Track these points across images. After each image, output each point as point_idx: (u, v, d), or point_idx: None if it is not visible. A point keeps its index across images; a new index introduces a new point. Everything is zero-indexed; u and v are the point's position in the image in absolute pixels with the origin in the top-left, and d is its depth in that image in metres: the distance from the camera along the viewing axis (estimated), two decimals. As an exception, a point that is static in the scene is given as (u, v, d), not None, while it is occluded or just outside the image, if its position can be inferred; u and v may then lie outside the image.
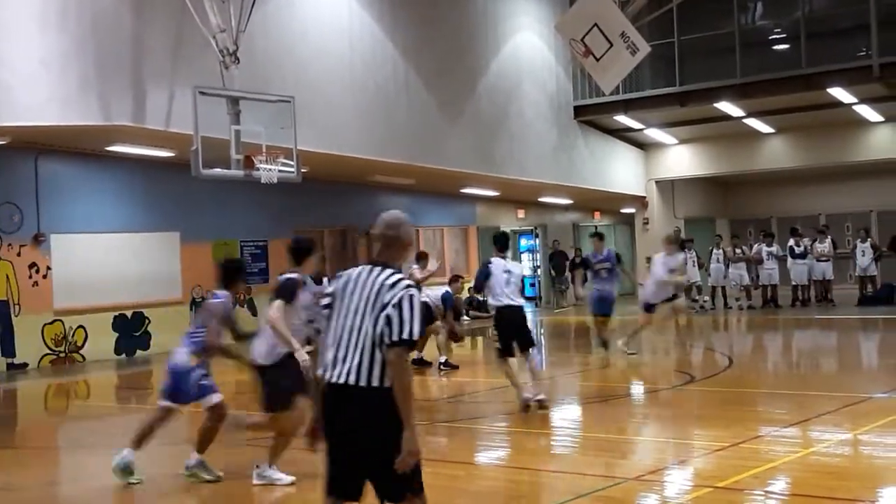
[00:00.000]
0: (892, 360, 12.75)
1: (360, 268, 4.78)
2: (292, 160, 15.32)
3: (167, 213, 19.93)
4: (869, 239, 24.23)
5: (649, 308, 15.38)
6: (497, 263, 10.74)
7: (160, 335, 19.77)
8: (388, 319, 4.52)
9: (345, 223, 23.90)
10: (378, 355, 4.53)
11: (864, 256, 23.93)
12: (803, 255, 24.25)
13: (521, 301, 10.87)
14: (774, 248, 24.45)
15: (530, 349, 10.81)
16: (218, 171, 14.64)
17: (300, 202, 21.64)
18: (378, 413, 4.51)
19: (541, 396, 10.47)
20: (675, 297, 15.48)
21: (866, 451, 8.40)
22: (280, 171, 15.09)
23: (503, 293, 10.62)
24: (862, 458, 8.14)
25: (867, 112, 23.67)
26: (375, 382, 4.52)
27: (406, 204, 25.46)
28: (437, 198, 26.16)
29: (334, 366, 4.61)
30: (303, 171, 15.83)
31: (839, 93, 22.29)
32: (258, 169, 14.76)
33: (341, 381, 4.56)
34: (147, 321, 19.78)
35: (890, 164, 25.37)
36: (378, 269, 4.71)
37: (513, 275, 10.71)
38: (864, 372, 13.88)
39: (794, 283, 24.41)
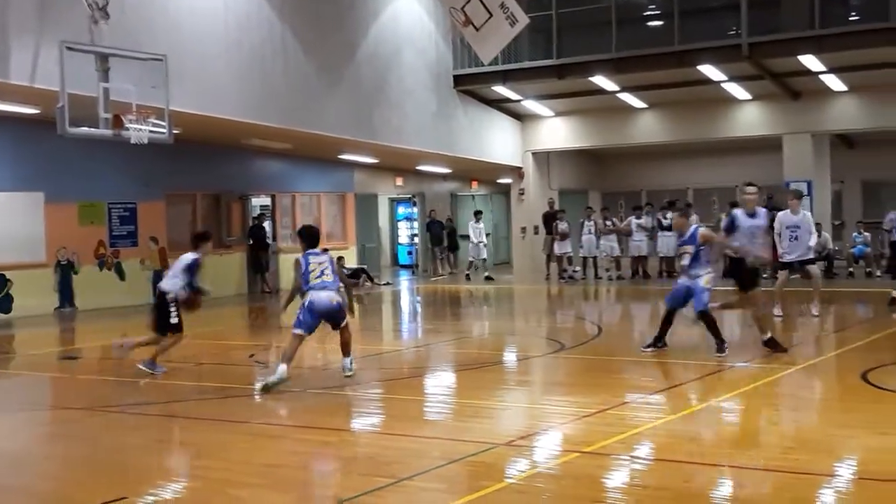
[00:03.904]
0: (750, 331, 13.23)
1: None
2: (164, 120, 14.91)
3: (31, 172, 19.22)
4: (733, 213, 25.06)
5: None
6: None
7: (23, 298, 19.14)
8: None
9: (218, 187, 23.46)
10: None
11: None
12: (671, 228, 24.95)
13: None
14: (643, 221, 25.11)
15: None
16: (85, 129, 14.19)
17: (172, 164, 21.14)
18: None
19: None
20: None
21: (726, 417, 8.72)
22: (151, 131, 14.69)
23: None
24: (722, 425, 8.45)
25: (735, 90, 24.41)
26: None
27: (283, 169, 25.19)
28: (314, 163, 25.91)
29: None
30: (175, 132, 15.44)
31: (709, 70, 22.92)
32: (127, 129, 14.35)
33: None
34: (9, 283, 19.07)
35: (755, 141, 26.29)
36: None
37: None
38: (727, 341, 14.39)
39: (661, 254, 25.13)
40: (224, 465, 7.13)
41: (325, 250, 10.50)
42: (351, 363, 10.34)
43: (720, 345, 11.38)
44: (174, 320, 11.20)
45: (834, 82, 23.29)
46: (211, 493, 6.57)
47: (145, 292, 21.59)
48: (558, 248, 25.19)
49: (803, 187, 23.73)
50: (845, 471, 6.79)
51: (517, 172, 28.50)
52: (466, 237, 29.49)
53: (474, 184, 32.48)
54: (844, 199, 28.71)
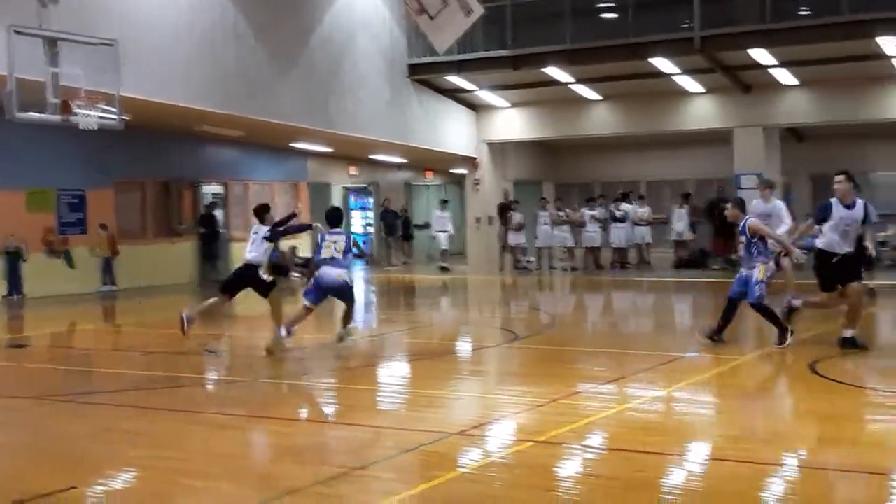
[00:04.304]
0: (704, 321, 13.37)
1: None
2: (114, 106, 14.70)
3: (-23, 158, 18.88)
4: (686, 206, 25.30)
5: None
6: None
7: (-32, 286, 18.83)
8: None
9: (169, 174, 23.19)
10: None
11: (680, 222, 25.08)
12: (623, 220, 25.17)
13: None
14: (597, 212, 25.26)
15: None
16: (33, 114, 13.93)
17: (122, 151, 20.86)
18: None
19: None
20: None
21: (677, 407, 8.79)
22: (100, 117, 14.46)
23: None
24: (673, 415, 8.51)
25: (688, 83, 24.59)
26: None
27: (235, 157, 24.96)
28: (267, 151, 25.70)
29: None
30: (125, 118, 15.22)
31: (662, 63, 23.07)
32: (76, 114, 14.11)
33: None
34: (-46, 271, 18.75)
35: (708, 134, 26.48)
36: None
37: None
38: (678, 332, 14.54)
39: (614, 245, 25.31)
40: (177, 455, 7.06)
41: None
42: (349, 332, 11.83)
43: (782, 334, 11.07)
44: (269, 279, 12.20)
45: (785, 76, 23.55)
46: (163, 482, 6.50)
47: (95, 280, 21.36)
48: (513, 239, 25.25)
49: (753, 180, 24.02)
50: (794, 460, 6.87)
51: (472, 163, 28.49)
52: (421, 227, 29.47)
53: (429, 174, 32.42)
54: (794, 193, 29.05)
